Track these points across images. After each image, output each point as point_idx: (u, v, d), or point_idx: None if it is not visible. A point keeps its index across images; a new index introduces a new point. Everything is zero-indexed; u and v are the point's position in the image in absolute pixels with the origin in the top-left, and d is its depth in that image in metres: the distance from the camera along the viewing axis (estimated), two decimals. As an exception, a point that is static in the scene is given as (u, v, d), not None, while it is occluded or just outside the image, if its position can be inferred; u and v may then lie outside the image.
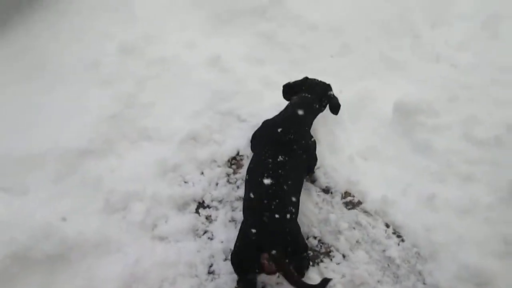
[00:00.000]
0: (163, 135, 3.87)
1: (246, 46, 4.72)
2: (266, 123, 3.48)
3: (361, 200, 3.48)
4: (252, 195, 2.96)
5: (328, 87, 3.76)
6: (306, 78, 3.79)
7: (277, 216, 2.74)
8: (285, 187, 2.91)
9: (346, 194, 3.53)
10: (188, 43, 4.66)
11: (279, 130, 3.25)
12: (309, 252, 3.17)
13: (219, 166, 3.73)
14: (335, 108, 3.67)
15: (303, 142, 3.28)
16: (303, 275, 2.99)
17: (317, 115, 3.68)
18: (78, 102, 3.97)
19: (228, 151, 3.79)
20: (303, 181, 3.28)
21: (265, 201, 2.81)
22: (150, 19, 4.79)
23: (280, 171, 2.97)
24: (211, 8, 5.00)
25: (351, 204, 3.48)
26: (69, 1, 4.89)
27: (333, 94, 3.73)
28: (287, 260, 2.63)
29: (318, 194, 3.54)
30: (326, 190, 3.57)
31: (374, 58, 4.69)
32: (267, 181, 2.91)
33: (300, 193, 3.13)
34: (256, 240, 2.68)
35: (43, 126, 3.73)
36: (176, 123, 3.94)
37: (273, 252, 2.57)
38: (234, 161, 3.76)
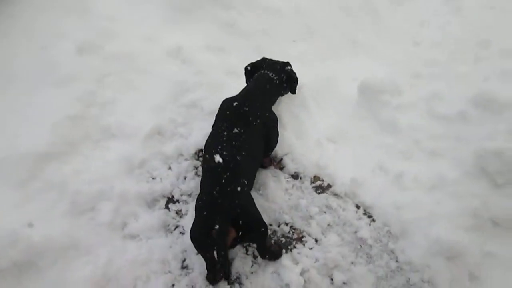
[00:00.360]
0: (127, 131, 3.79)
1: (208, 35, 4.64)
2: (224, 100, 3.42)
3: (330, 184, 3.49)
4: (206, 168, 2.95)
5: (286, 63, 3.77)
6: (265, 58, 3.82)
7: (228, 189, 2.71)
8: (238, 157, 2.87)
9: (315, 178, 3.53)
10: (147, 36, 4.57)
11: (234, 104, 3.23)
12: (282, 239, 3.18)
13: (186, 160, 3.69)
14: (293, 81, 3.72)
15: (260, 113, 3.25)
16: (265, 254, 3.02)
17: (279, 92, 3.69)
18: (37, 105, 3.85)
19: (194, 144, 3.73)
20: (261, 152, 3.29)
21: (217, 175, 2.78)
22: (106, 14, 4.66)
23: (234, 142, 2.95)
24: (170, -2, 4.91)
25: (321, 188, 3.48)
26: (20, 4, 4.76)
27: (291, 69, 3.75)
28: (240, 233, 2.65)
29: (287, 181, 3.53)
30: (295, 176, 3.56)
31: (337, 40, 4.69)
32: (220, 153, 2.87)
33: (257, 165, 3.19)
34: (206, 216, 2.67)
35: (1, 132, 3.63)
36: (140, 119, 3.86)
37: (216, 227, 2.55)
38: (202, 153, 3.70)
